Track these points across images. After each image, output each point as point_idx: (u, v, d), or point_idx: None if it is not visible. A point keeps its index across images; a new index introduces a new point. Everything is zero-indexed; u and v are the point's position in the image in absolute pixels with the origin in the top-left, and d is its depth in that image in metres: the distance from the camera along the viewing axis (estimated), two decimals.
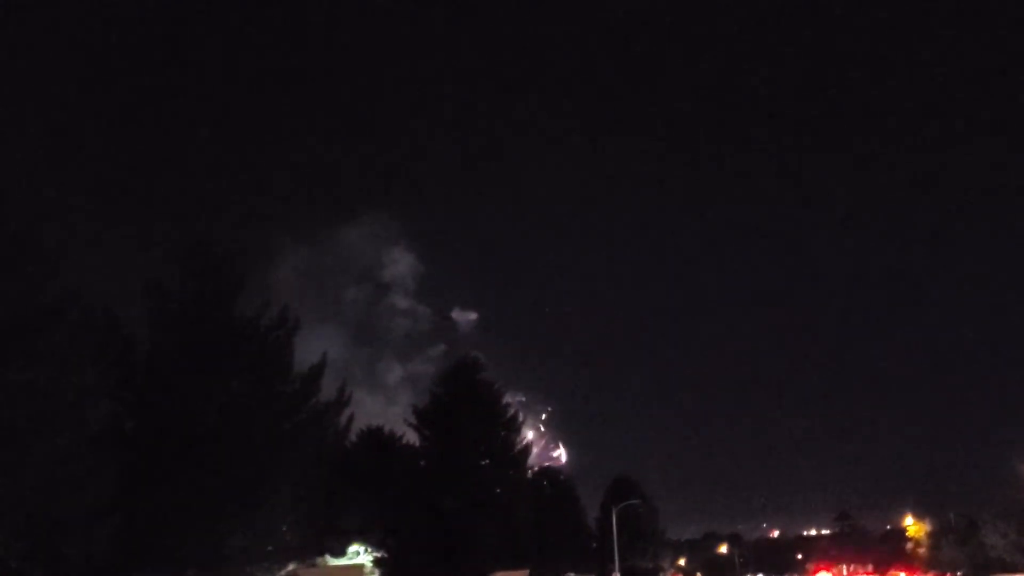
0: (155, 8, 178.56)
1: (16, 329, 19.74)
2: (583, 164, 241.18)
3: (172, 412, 24.86)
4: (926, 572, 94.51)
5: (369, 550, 39.91)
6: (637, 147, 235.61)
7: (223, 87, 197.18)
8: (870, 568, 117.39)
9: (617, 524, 62.56)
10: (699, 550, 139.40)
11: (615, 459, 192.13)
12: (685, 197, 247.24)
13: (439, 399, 44.66)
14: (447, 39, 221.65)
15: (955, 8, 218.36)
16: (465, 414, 42.79)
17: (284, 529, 29.33)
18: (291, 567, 29.35)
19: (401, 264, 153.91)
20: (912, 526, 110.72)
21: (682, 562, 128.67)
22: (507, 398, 49.99)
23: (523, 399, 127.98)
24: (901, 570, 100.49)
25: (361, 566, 38.57)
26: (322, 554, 34.99)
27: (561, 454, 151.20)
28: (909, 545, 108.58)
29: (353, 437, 38.75)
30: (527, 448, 50.93)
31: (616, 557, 61.77)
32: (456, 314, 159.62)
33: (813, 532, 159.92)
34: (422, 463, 42.60)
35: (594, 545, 70.62)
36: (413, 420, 44.25)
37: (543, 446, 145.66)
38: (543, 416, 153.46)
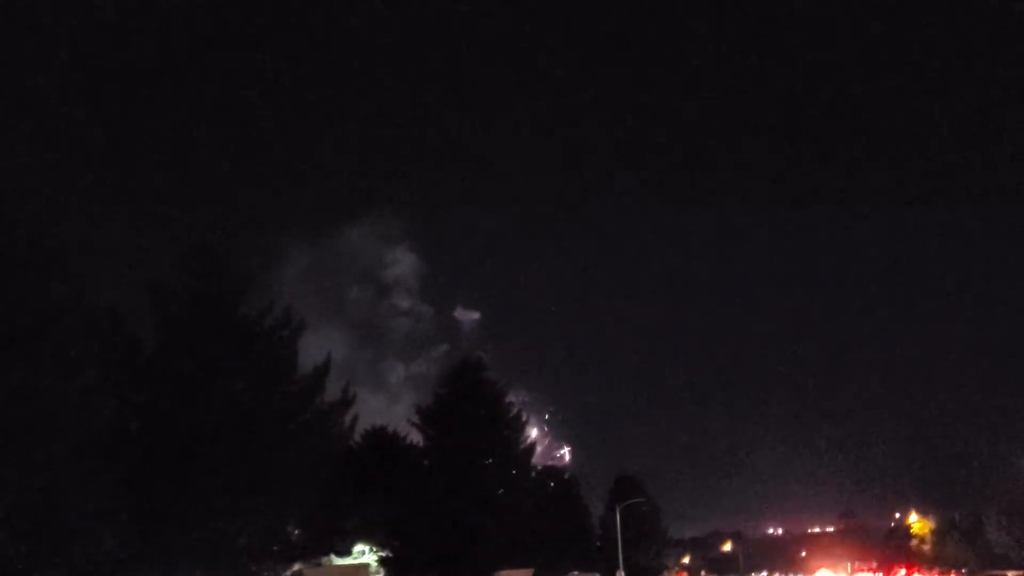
0: (159, 9, 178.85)
1: (21, 330, 19.81)
2: (586, 163, 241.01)
3: (177, 413, 24.90)
4: (931, 569, 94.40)
5: (374, 550, 39.95)
6: (639, 147, 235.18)
7: (226, 88, 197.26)
8: (875, 565, 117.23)
9: (621, 523, 62.56)
10: (703, 548, 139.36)
11: (618, 458, 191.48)
12: (689, 195, 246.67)
13: (443, 399, 44.65)
14: (449, 39, 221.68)
15: (955, 8, 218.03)
16: (469, 414, 42.79)
17: (289, 529, 29.42)
18: (296, 567, 29.43)
19: (403, 264, 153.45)
20: (916, 523, 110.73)
21: (686, 560, 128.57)
22: (510, 397, 49.97)
23: (526, 398, 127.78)
24: (906, 567, 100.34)
25: (366, 566, 38.62)
26: (327, 554, 35.07)
27: (565, 453, 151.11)
28: (914, 542, 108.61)
29: (357, 437, 38.81)
30: (531, 447, 50.95)
31: (620, 556, 61.75)
32: (459, 313, 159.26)
33: (817, 529, 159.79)
34: (426, 463, 42.60)
35: (598, 544, 70.56)
36: (417, 420, 44.26)
37: (547, 445, 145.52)
38: (546, 415, 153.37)
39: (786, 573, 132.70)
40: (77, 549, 20.88)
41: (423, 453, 43.12)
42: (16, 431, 19.21)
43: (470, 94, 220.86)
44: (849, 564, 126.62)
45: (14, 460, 19.14)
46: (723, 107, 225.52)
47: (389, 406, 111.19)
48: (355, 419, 32.95)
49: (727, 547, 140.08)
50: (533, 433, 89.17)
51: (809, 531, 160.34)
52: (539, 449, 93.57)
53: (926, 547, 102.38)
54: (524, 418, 50.71)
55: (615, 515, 63.58)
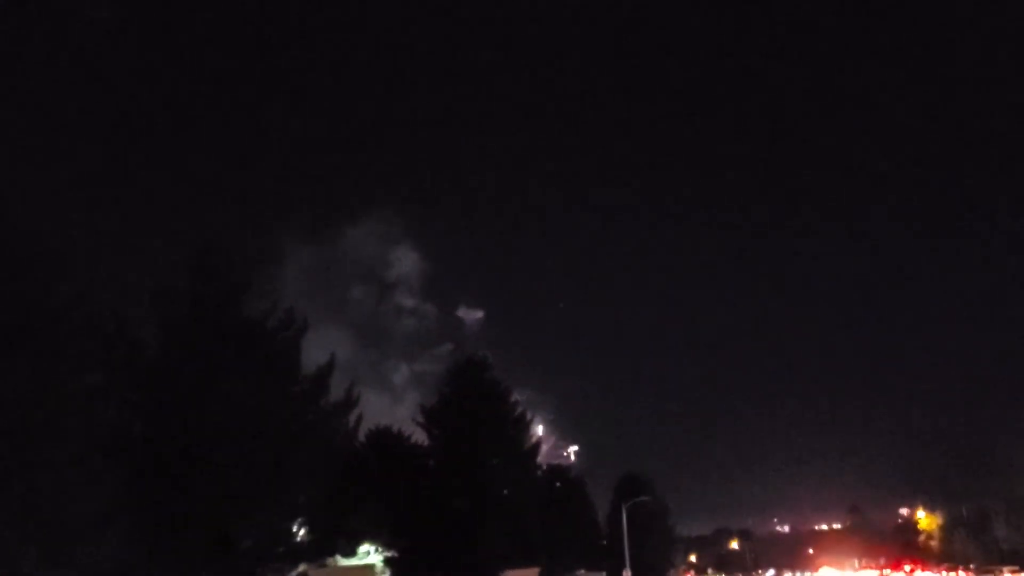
0: (160, 9, 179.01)
1: (24, 331, 19.75)
2: (588, 162, 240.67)
3: (180, 414, 24.83)
4: (938, 565, 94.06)
5: (379, 550, 39.87)
6: (641, 146, 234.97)
7: (228, 88, 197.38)
8: (882, 561, 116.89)
9: (627, 521, 62.45)
10: (710, 546, 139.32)
11: (624, 456, 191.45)
12: (693, 196, 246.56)
13: (447, 398, 44.58)
14: (450, 39, 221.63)
15: (955, 10, 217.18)
16: (473, 413, 42.72)
17: (294, 530, 29.33)
18: (302, 568, 29.33)
19: (406, 263, 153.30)
20: (924, 519, 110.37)
21: (693, 558, 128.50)
22: (515, 396, 49.88)
23: (531, 397, 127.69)
24: (913, 563, 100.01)
25: (372, 566, 38.55)
26: (332, 555, 34.95)
27: (570, 452, 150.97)
28: (921, 538, 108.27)
29: (361, 438, 38.72)
30: (536, 446, 50.88)
31: (627, 554, 61.64)
32: (462, 312, 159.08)
33: (824, 527, 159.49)
34: (431, 462, 42.53)
35: (604, 543, 70.52)
36: (421, 419, 44.20)
37: (552, 444, 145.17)
38: (551, 414, 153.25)
39: (794, 570, 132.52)
40: (82, 551, 20.82)
41: (428, 453, 43.07)
42: (20, 433, 19.16)
43: (472, 93, 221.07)
44: (856, 561, 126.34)
45: (18, 462, 19.09)
46: (725, 107, 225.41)
47: (393, 406, 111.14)
48: (359, 419, 32.81)
49: (734, 545, 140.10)
50: (538, 431, 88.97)
51: (816, 528, 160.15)
52: (544, 448, 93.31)
53: (934, 543, 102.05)
54: (529, 417, 50.64)
55: (621, 513, 63.51)
